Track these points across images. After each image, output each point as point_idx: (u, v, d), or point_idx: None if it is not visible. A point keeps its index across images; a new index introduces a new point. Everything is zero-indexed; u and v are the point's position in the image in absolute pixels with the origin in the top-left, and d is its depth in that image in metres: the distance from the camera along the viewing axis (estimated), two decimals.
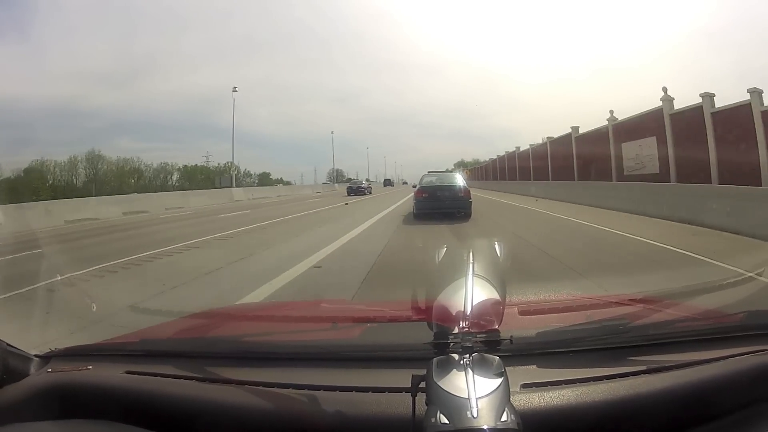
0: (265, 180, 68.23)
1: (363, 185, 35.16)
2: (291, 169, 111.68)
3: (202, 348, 1.23)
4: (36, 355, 1.18)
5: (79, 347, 1.25)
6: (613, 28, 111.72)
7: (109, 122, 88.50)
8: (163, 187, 51.91)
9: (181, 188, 44.62)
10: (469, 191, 11.45)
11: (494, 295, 0.90)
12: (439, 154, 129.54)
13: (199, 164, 66.48)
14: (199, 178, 61.53)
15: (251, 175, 71.60)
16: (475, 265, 0.91)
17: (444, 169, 19.87)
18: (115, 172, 56.72)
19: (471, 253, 0.93)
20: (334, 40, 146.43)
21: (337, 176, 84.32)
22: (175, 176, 62.74)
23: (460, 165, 68.91)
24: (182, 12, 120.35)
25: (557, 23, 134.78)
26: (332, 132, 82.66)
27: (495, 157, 38.10)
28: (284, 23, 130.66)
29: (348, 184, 37.86)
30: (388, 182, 67.16)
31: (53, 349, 1.22)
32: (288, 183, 60.78)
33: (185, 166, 64.90)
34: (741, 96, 12.23)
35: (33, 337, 2.32)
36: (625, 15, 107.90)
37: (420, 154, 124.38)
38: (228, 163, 65.87)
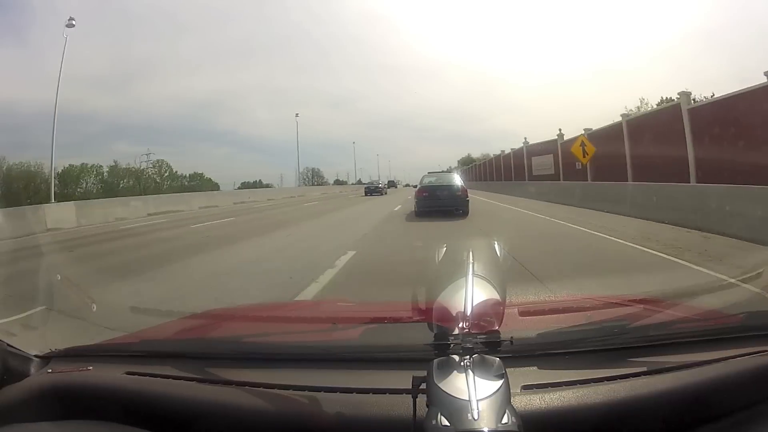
0: (197, 183, 52.24)
1: (380, 186, 38.61)
2: (290, 172, 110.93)
3: (202, 349, 1.22)
4: (36, 356, 1.18)
5: (79, 348, 1.25)
6: (609, 30, 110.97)
7: (105, 126, 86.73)
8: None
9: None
10: (466, 190, 11.72)
11: (494, 295, 0.90)
12: (436, 157, 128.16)
13: (132, 165, 51.45)
14: (89, 182, 47.69)
15: (178, 177, 54.50)
16: (475, 266, 0.91)
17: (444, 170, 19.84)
18: None
19: (471, 254, 0.93)
20: (331, 44, 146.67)
21: (312, 177, 70.99)
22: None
23: (466, 162, 68.49)
24: (179, 16, 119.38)
25: (553, 26, 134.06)
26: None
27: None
28: (281, 27, 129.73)
29: (365, 186, 40.86)
30: (391, 184, 68.13)
31: (53, 349, 1.22)
32: (269, 185, 56.25)
33: (72, 165, 48.65)
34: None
35: None
36: (620, 17, 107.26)
37: (416, 157, 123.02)
38: (159, 161, 53.17)
